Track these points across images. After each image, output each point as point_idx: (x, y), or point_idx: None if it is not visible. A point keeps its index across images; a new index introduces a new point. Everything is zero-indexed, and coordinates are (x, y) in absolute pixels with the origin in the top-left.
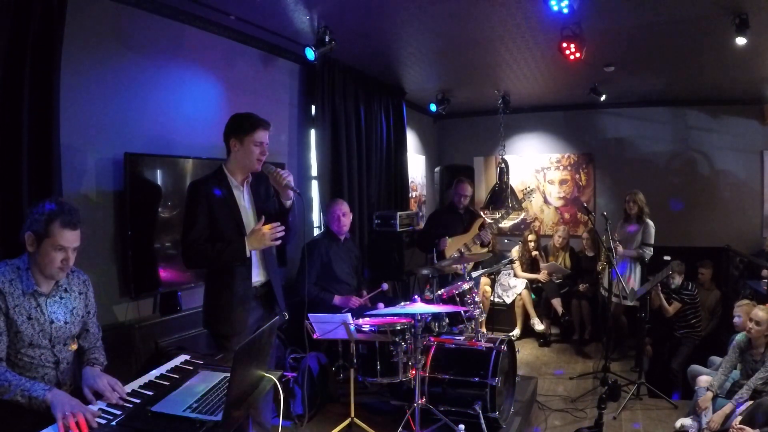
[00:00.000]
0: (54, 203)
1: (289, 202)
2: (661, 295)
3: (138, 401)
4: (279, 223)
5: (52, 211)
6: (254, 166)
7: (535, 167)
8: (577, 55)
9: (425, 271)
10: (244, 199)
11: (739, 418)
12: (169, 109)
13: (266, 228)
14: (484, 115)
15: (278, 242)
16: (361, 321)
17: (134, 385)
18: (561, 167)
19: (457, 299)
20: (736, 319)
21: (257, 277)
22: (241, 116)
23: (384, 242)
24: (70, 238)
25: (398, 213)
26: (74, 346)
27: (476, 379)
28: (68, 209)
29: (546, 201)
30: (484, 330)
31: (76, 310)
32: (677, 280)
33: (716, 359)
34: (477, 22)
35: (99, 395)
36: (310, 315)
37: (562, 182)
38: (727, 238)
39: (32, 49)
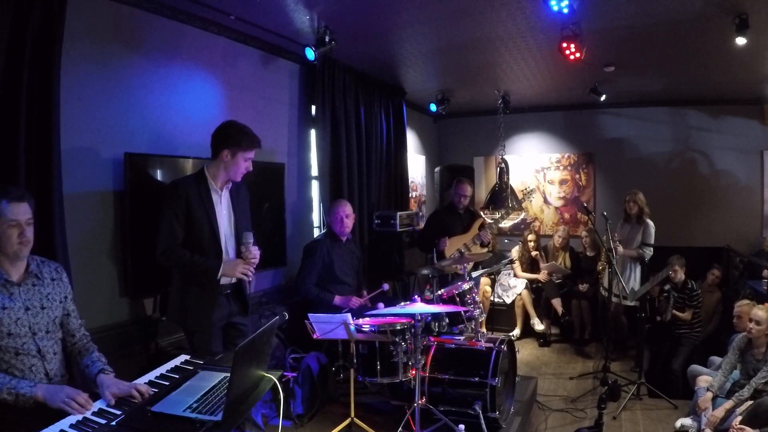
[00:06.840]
0: None
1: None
2: (671, 310)
3: (138, 401)
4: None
5: None
6: (237, 179)
7: (535, 167)
8: (577, 55)
9: (425, 271)
10: (221, 203)
11: (739, 417)
12: (169, 109)
13: (242, 263)
14: (484, 115)
15: (245, 278)
16: (361, 321)
17: None
18: (561, 167)
19: (457, 299)
20: (736, 319)
21: (228, 279)
22: (237, 130)
23: (384, 242)
24: (20, 211)
25: (398, 213)
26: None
27: (476, 379)
28: (10, 188)
29: (546, 201)
30: (484, 330)
31: (51, 295)
32: (680, 275)
33: (716, 359)
34: (477, 22)
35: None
36: (310, 315)
37: (562, 182)
38: (727, 238)
39: (32, 48)
